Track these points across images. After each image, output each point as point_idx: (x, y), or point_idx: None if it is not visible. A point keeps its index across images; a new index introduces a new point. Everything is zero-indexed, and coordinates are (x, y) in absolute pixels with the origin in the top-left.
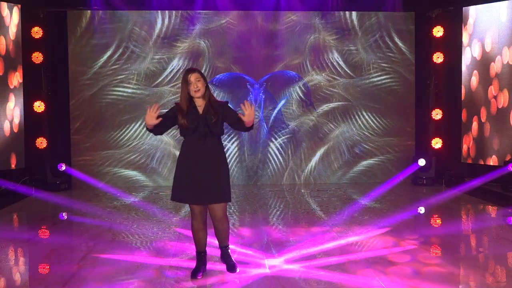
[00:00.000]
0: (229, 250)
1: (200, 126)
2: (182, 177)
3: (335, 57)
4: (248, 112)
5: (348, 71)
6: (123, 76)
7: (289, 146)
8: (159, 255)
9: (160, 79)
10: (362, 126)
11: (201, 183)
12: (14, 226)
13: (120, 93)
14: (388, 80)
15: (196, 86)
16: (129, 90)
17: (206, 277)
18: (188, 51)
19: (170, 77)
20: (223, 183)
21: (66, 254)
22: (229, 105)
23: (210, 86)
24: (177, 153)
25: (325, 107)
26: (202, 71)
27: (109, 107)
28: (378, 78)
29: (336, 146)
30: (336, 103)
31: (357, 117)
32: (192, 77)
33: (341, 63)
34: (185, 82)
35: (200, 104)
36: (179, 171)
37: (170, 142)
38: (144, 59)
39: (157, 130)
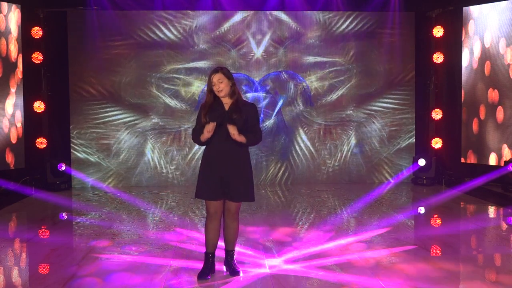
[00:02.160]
0: (235, 256)
1: (225, 122)
2: (206, 174)
3: (335, 50)
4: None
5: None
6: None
7: (288, 146)
8: (159, 255)
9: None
10: (361, 125)
11: (223, 180)
12: (14, 226)
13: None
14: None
15: (219, 87)
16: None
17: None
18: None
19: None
20: (245, 181)
21: (66, 254)
22: (256, 109)
23: None
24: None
25: (322, 104)
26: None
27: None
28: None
29: (336, 145)
30: (334, 100)
31: (355, 117)
32: (215, 78)
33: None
34: (209, 83)
35: (226, 102)
36: (203, 167)
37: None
38: (144, 60)
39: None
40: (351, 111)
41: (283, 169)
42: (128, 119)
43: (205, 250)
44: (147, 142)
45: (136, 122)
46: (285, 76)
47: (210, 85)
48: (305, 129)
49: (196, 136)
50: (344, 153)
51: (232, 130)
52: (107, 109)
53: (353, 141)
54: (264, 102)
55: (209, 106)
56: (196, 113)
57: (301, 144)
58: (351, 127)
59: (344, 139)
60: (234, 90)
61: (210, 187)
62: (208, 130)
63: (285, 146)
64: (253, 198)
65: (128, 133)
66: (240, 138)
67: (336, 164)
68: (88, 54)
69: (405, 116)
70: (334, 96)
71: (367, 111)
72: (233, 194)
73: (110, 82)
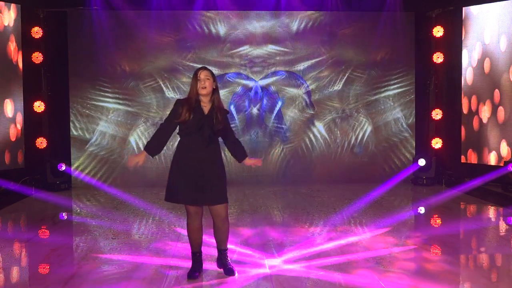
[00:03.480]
0: (228, 254)
1: (205, 127)
2: (179, 178)
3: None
4: (254, 164)
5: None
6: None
7: (288, 145)
8: (159, 255)
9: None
10: (359, 126)
11: (200, 184)
12: (14, 226)
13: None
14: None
15: (204, 83)
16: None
17: (205, 277)
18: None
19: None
20: (222, 184)
21: (66, 254)
22: (228, 115)
23: None
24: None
25: (322, 104)
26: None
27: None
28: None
29: (336, 145)
30: (334, 100)
31: (355, 117)
32: (202, 74)
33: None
34: (195, 78)
35: (205, 104)
36: (175, 171)
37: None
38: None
39: (155, 150)
40: (352, 111)
41: (283, 169)
42: (123, 111)
43: (191, 250)
44: (135, 133)
45: (131, 116)
46: (285, 76)
47: (196, 81)
48: (305, 128)
49: (157, 136)
50: (342, 153)
51: (257, 163)
52: (105, 102)
53: (362, 134)
54: (264, 103)
55: (193, 105)
56: None
57: (301, 142)
58: (353, 126)
59: (346, 137)
60: (215, 97)
61: (185, 191)
62: (134, 163)
63: (285, 138)
64: (227, 199)
65: (120, 125)
66: (255, 161)
67: (335, 164)
68: (88, 54)
69: (405, 117)
70: (334, 95)
71: (367, 111)
72: (217, 197)
73: (110, 81)
